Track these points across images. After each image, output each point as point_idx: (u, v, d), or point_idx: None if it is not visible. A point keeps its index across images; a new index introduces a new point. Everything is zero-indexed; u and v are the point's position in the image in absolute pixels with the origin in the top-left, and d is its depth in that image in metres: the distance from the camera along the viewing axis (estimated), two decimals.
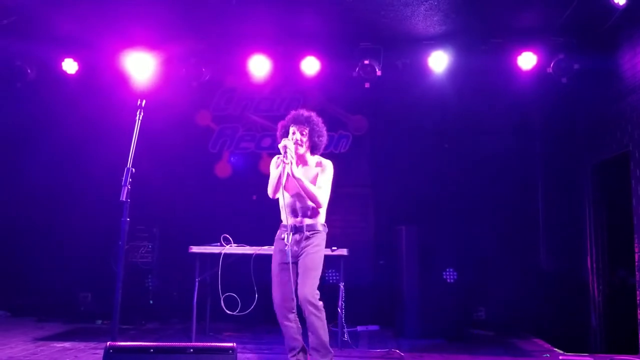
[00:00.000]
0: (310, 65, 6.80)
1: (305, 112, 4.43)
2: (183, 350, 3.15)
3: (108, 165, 5.87)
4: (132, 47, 6.75)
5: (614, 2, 5.27)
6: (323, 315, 4.10)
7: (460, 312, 6.54)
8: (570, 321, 6.67)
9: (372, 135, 7.78)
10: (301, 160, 4.40)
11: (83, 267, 7.20)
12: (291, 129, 4.37)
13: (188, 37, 6.61)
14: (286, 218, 4.35)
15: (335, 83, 7.18)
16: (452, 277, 6.41)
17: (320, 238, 4.32)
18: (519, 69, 6.58)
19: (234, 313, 5.20)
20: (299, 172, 4.26)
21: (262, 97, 7.98)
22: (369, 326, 6.74)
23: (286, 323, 4.19)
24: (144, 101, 4.04)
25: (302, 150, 4.35)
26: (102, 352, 2.94)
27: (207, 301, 6.02)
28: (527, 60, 6.51)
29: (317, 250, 4.26)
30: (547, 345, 6.20)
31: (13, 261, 7.59)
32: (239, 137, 8.00)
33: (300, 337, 4.21)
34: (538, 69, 6.58)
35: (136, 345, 3.16)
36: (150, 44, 6.74)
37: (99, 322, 6.95)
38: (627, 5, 5.25)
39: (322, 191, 4.26)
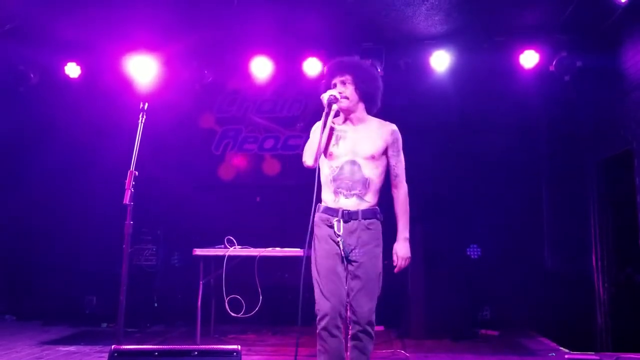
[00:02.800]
0: (313, 66, 6.80)
1: (345, 58, 3.53)
2: (187, 353, 3.15)
3: (112, 169, 5.90)
4: (134, 51, 6.77)
5: (616, 0, 5.25)
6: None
7: (465, 312, 6.52)
8: (576, 320, 6.64)
9: None
10: (355, 120, 3.48)
11: (88, 270, 7.22)
12: (332, 84, 3.47)
13: (190, 40, 6.61)
14: (331, 197, 3.37)
15: None
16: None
17: (379, 230, 3.40)
18: (521, 67, 6.58)
19: (239, 315, 5.20)
20: (354, 132, 3.43)
21: (264, 98, 7.99)
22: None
23: (338, 334, 3.20)
24: (146, 104, 4.04)
25: (346, 104, 3.40)
26: (107, 355, 2.94)
27: (211, 303, 6.03)
28: (529, 59, 6.50)
29: (379, 251, 3.36)
30: (553, 344, 6.19)
31: (18, 265, 7.63)
32: (242, 138, 8.01)
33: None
34: (540, 67, 6.57)
35: (141, 348, 3.16)
36: (152, 47, 6.75)
37: (104, 325, 6.96)
38: (629, 2, 5.24)
39: (402, 169, 3.50)
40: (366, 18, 6.23)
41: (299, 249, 5.29)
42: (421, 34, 6.55)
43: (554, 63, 6.43)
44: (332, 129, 3.41)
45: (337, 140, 3.41)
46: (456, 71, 6.74)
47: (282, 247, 5.41)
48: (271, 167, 7.88)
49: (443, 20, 6.22)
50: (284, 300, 6.64)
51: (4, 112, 7.25)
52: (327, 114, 3.34)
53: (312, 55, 6.77)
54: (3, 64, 6.96)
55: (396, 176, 3.48)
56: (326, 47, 6.77)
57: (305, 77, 6.90)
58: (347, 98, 3.40)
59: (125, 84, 6.98)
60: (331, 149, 3.40)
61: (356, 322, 3.24)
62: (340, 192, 3.33)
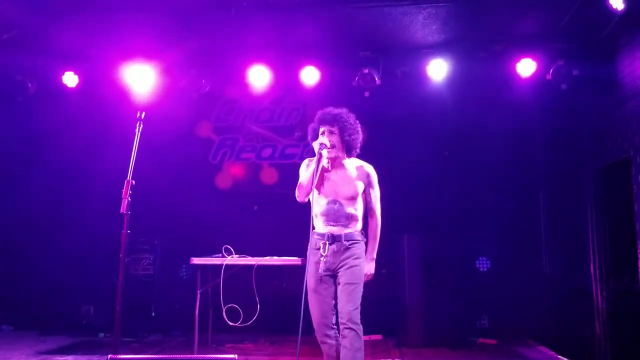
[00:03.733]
0: (310, 75, 6.80)
1: (333, 110, 4.03)
2: None
3: (109, 178, 5.87)
4: (132, 60, 6.77)
5: (612, 8, 5.27)
6: (362, 335, 3.77)
7: (464, 321, 6.52)
8: (574, 328, 6.63)
9: (372, 143, 7.76)
10: (337, 165, 4.03)
11: (85, 280, 7.20)
12: (320, 131, 4.01)
13: (187, 49, 6.62)
14: (322, 226, 3.97)
15: (335, 92, 7.17)
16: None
17: (361, 249, 3.96)
18: (518, 75, 6.58)
19: (236, 324, 5.18)
20: (335, 175, 3.97)
21: (262, 107, 8.01)
22: (372, 335, 6.71)
23: (327, 340, 3.82)
24: (143, 113, 4.04)
25: (333, 153, 3.97)
26: None
27: (209, 313, 6.00)
28: (526, 67, 6.51)
29: (359, 263, 3.90)
30: (552, 353, 6.17)
31: (15, 275, 7.59)
32: (239, 147, 8.01)
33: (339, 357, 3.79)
34: (537, 76, 6.58)
35: (137, 357, 3.15)
36: (150, 56, 6.75)
37: (102, 335, 6.94)
38: (626, 11, 5.25)
39: (377, 203, 4.06)
40: (363, 27, 6.25)
41: (296, 258, 5.28)
42: (418, 43, 6.58)
43: (550, 72, 6.44)
44: (322, 170, 3.95)
45: (323, 181, 3.98)
46: (453, 80, 6.74)
47: (279, 256, 5.40)
48: (269, 176, 7.88)
49: (440, 29, 6.24)
50: (281, 309, 6.60)
51: (1, 121, 7.24)
52: (319, 160, 3.89)
53: (310, 64, 6.78)
54: (1, 74, 6.96)
55: (370, 209, 4.08)
56: (324, 56, 6.78)
57: (303, 86, 6.90)
58: (334, 147, 3.96)
59: (122, 93, 6.97)
60: (319, 188, 3.97)
61: (341, 322, 3.75)
62: (329, 223, 3.94)
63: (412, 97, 7.18)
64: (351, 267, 3.86)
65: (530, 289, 7.14)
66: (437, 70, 6.64)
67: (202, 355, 3.29)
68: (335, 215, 3.91)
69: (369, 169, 4.06)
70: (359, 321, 3.75)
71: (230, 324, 5.16)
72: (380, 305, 7.11)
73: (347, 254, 3.88)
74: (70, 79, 7.00)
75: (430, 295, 6.33)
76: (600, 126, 6.44)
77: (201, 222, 7.38)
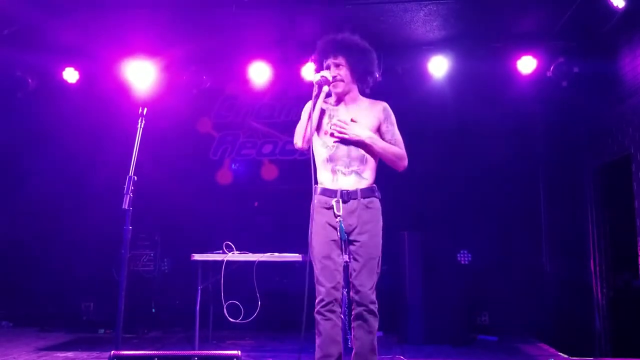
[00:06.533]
0: (311, 71, 6.76)
1: (337, 35, 3.48)
2: (186, 358, 3.14)
3: (110, 174, 5.89)
4: (132, 56, 6.76)
5: (613, 5, 5.27)
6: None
7: (464, 318, 6.52)
8: (575, 325, 6.64)
9: None
10: (347, 100, 3.51)
11: (86, 276, 7.18)
12: (324, 64, 3.50)
13: (188, 45, 6.61)
14: (329, 177, 3.37)
15: None
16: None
17: (379, 208, 3.40)
18: (519, 73, 6.59)
19: (237, 321, 5.18)
20: (346, 111, 3.44)
21: (262, 103, 8.00)
22: None
23: (329, 316, 3.24)
24: (145, 109, 4.04)
25: (341, 87, 3.46)
26: None
27: (209, 309, 6.01)
28: (527, 64, 6.51)
29: (380, 229, 3.36)
30: (552, 350, 6.18)
31: (15, 271, 7.59)
32: (240, 144, 8.01)
33: (341, 341, 3.35)
34: (538, 73, 6.59)
35: (140, 354, 3.15)
36: (150, 52, 6.75)
37: (102, 331, 6.92)
38: (627, 8, 5.25)
39: (401, 143, 3.49)
40: (364, 23, 6.23)
41: (297, 255, 5.28)
42: (419, 40, 6.57)
43: (551, 69, 6.45)
44: (323, 111, 3.42)
45: (331, 119, 3.43)
46: (454, 77, 6.75)
47: (280, 252, 5.39)
48: (269, 172, 7.88)
49: (441, 26, 6.24)
50: (282, 305, 6.62)
51: (1, 118, 7.24)
52: (317, 96, 3.38)
53: (311, 60, 6.76)
54: (1, 70, 6.95)
55: (395, 144, 3.52)
56: None
57: (304, 82, 6.88)
58: (342, 81, 3.43)
59: (123, 89, 6.97)
60: (325, 127, 3.43)
61: (359, 303, 3.28)
62: (339, 171, 3.35)
63: (413, 94, 7.16)
64: (373, 235, 3.32)
65: (531, 285, 7.16)
66: (438, 67, 6.64)
67: (204, 352, 3.29)
68: (348, 159, 3.35)
69: (386, 105, 3.56)
70: (375, 298, 3.32)
71: (231, 320, 5.16)
72: (381, 302, 7.11)
73: (367, 216, 3.32)
74: (70, 75, 6.99)
75: (431, 292, 6.34)
76: (600, 123, 6.44)
77: (202, 219, 7.38)
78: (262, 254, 5.34)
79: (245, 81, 7.06)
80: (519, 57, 6.52)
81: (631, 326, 5.78)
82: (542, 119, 7.55)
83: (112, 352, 2.91)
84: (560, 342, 6.30)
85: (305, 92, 7.26)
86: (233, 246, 5.41)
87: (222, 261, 5.24)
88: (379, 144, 3.40)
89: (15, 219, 7.60)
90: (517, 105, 7.27)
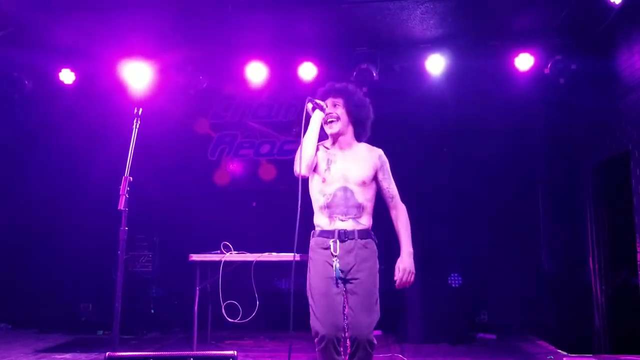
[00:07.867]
0: (308, 71, 6.78)
1: (337, 83, 3.54)
2: (183, 358, 3.13)
3: (107, 175, 5.85)
4: (129, 56, 6.74)
5: (610, 2, 5.26)
6: None
7: (463, 316, 6.53)
8: (574, 322, 6.63)
9: (370, 139, 7.75)
10: (344, 145, 3.50)
11: (84, 277, 7.18)
12: (323, 105, 3.51)
13: (185, 45, 6.60)
14: (326, 222, 3.37)
15: None
16: (456, 281, 6.41)
17: (375, 250, 3.42)
18: (516, 70, 6.58)
19: (236, 321, 5.17)
20: (343, 157, 3.42)
21: (260, 103, 7.99)
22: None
23: (337, 358, 3.16)
24: (140, 109, 4.02)
25: (337, 127, 3.44)
26: None
27: (208, 309, 6.00)
28: (524, 62, 6.50)
29: (377, 270, 3.37)
30: (551, 347, 6.18)
31: (13, 273, 7.58)
32: (237, 144, 8.00)
33: None
34: (535, 70, 6.58)
35: (135, 355, 3.13)
36: (147, 53, 6.74)
37: (100, 332, 6.92)
38: (623, 5, 5.25)
39: (396, 192, 3.52)
40: (361, 22, 6.23)
41: (296, 254, 5.26)
42: (416, 38, 6.56)
43: (549, 66, 6.43)
44: (319, 151, 3.44)
45: (329, 164, 3.42)
46: (451, 75, 6.73)
47: (278, 252, 5.38)
48: (267, 172, 7.86)
49: (438, 24, 6.22)
50: (281, 305, 6.58)
51: None
52: (307, 117, 3.45)
53: (307, 59, 6.75)
54: None
55: (392, 197, 3.52)
56: (321, 51, 6.76)
57: (301, 81, 6.88)
58: (338, 118, 3.44)
59: (119, 89, 6.95)
60: (323, 174, 3.41)
61: (356, 341, 3.17)
62: (336, 217, 3.35)
63: (411, 93, 7.16)
64: (371, 274, 3.32)
65: (530, 283, 7.15)
66: (435, 65, 6.63)
67: (201, 352, 3.28)
68: (345, 206, 3.33)
69: (382, 153, 3.55)
70: (373, 340, 3.22)
71: (230, 320, 5.15)
72: (380, 301, 7.11)
73: (364, 255, 3.32)
74: (67, 76, 6.97)
75: (430, 290, 6.34)
76: (598, 120, 6.43)
77: (200, 219, 7.36)
78: (260, 254, 5.33)
79: (242, 81, 7.05)
80: (517, 55, 6.51)
81: (630, 323, 5.78)
82: (540, 116, 7.53)
83: (107, 353, 2.89)
84: (560, 340, 6.29)
85: (302, 92, 7.30)
86: (231, 246, 5.40)
87: (220, 261, 5.24)
88: (410, 247, 3.45)
89: (13, 220, 7.58)
90: (515, 103, 7.26)
